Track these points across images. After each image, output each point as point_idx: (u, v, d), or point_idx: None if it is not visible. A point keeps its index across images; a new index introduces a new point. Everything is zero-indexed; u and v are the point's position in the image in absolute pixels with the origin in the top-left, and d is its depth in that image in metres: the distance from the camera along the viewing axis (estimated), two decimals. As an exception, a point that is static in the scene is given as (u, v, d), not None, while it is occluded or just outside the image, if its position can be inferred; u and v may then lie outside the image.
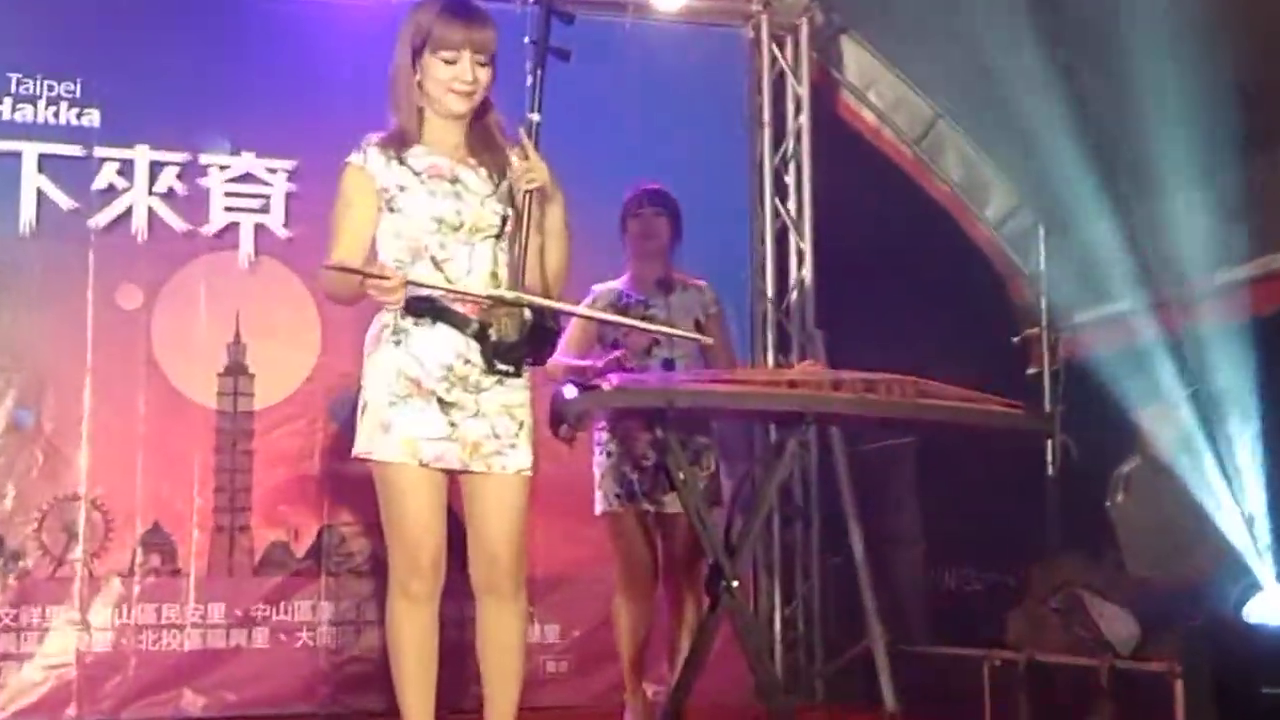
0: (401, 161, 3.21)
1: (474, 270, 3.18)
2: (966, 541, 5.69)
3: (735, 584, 4.06)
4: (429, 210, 3.18)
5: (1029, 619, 4.88)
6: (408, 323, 3.18)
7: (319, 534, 5.33)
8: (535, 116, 3.21)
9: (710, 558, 4.19)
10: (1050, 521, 5.87)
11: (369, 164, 3.22)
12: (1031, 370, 6.30)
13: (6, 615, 4.98)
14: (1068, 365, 6.17)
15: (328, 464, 5.33)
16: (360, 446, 3.21)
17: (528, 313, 3.12)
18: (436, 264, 3.18)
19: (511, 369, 3.17)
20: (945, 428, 4.45)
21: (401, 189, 3.20)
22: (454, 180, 3.21)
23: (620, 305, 4.54)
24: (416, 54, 3.19)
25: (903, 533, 5.84)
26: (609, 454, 4.53)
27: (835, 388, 4.21)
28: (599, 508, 4.54)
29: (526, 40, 3.29)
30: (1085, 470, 5.72)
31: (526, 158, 3.18)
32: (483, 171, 3.22)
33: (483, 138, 3.23)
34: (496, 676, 3.22)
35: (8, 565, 4.99)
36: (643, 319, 4.44)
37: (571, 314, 3.38)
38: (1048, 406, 6.06)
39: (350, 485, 5.29)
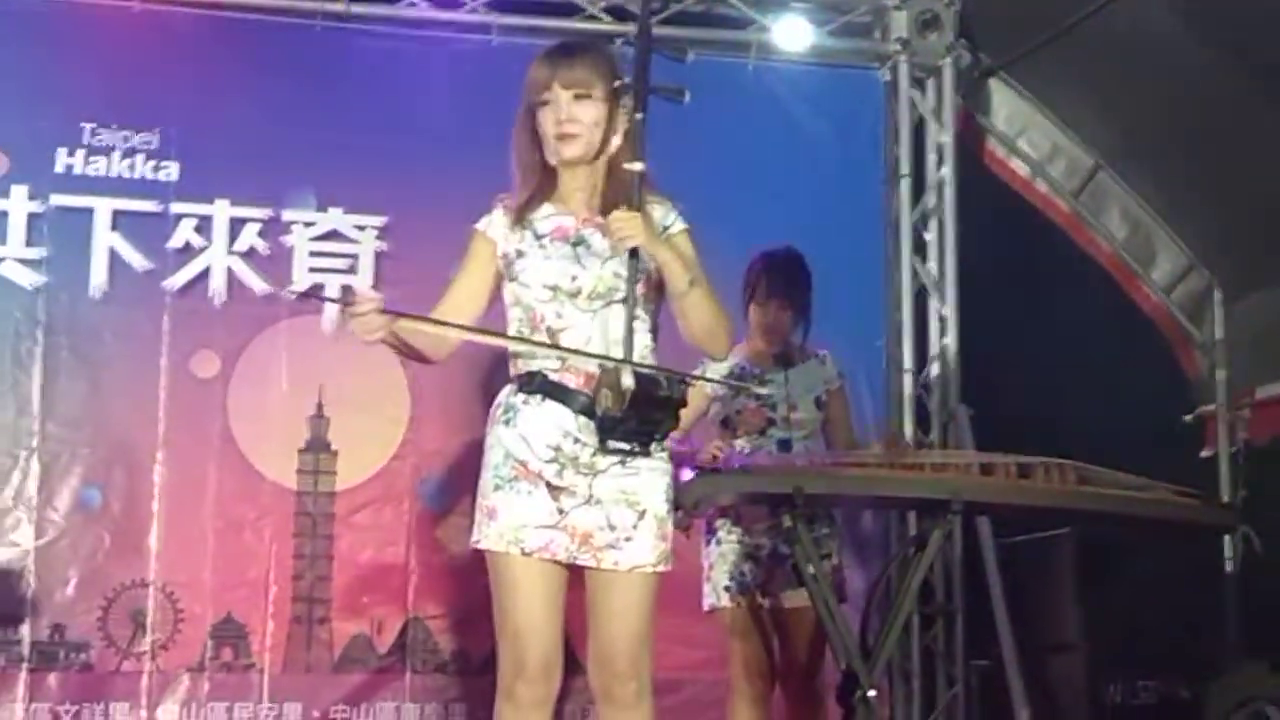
0: (525, 224, 3.25)
1: (595, 340, 3.18)
2: (1134, 647, 5.57)
3: (873, 693, 4.03)
4: (542, 276, 3.20)
5: (1208, 739, 4.78)
6: (518, 399, 3.20)
7: (404, 628, 5.37)
8: (637, 166, 3.17)
9: (842, 663, 4.17)
10: (1230, 625, 5.77)
11: (491, 229, 3.29)
12: (1206, 452, 6.22)
13: (67, 713, 5.07)
14: (1248, 447, 6.07)
15: (415, 550, 5.40)
16: (474, 534, 3.23)
17: (628, 380, 3.07)
18: (552, 334, 3.19)
19: (628, 448, 3.14)
20: (1110, 519, 4.41)
21: (520, 254, 3.23)
22: (577, 242, 3.22)
23: (731, 382, 4.52)
24: (530, 110, 3.23)
25: (1060, 636, 5.72)
26: (719, 542, 4.52)
27: (985, 472, 4.23)
28: (708, 602, 4.53)
29: (616, 84, 3.22)
30: (1270, 566, 5.60)
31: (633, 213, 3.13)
32: None
33: (617, 192, 3.19)
34: (616, 792, 3.20)
35: (69, 657, 5.09)
36: (758, 397, 4.48)
37: (685, 380, 3.35)
38: (1226, 494, 5.97)
39: (439, 574, 5.41)
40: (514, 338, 3.21)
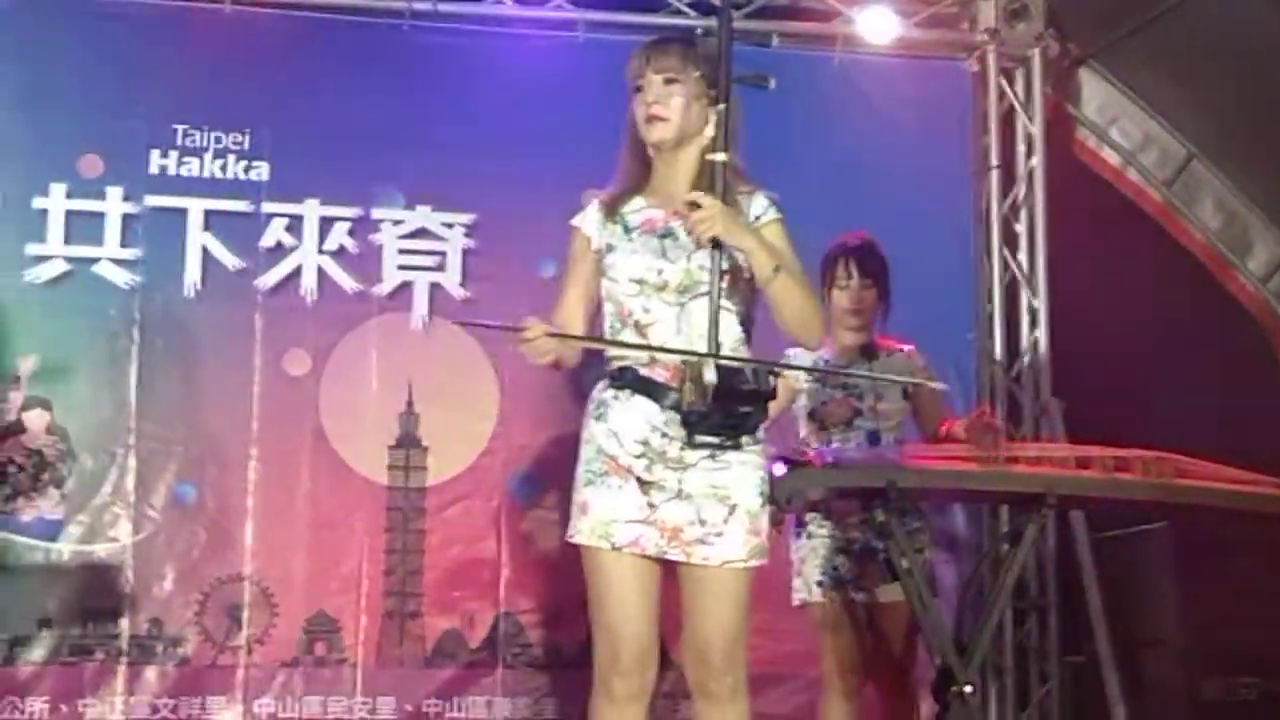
0: (616, 218, 3.29)
1: (684, 333, 3.18)
2: (1233, 643, 5.48)
3: (969, 689, 4.00)
4: (629, 270, 3.23)
5: (1312, 737, 4.70)
6: (609, 395, 3.24)
7: (495, 622, 5.40)
8: (720, 157, 3.18)
9: (937, 659, 4.13)
10: (1330, 622, 5.66)
11: (585, 224, 3.33)
12: (1306, 444, 6.10)
13: (165, 706, 5.13)
14: (1351, 438, 5.97)
15: (506, 544, 5.43)
16: (569, 528, 3.27)
17: (710, 374, 3.07)
18: (640, 329, 3.21)
19: (716, 441, 3.14)
20: (1209, 513, 4.34)
21: (610, 248, 3.28)
22: (664, 235, 3.24)
23: (817, 369, 4.49)
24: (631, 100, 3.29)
25: (1157, 631, 5.69)
26: (810, 536, 4.49)
27: (1081, 465, 4.17)
28: (797, 597, 4.50)
29: (698, 73, 3.26)
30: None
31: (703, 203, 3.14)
32: None
33: (706, 182, 3.20)
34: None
35: (167, 652, 5.15)
36: (843, 389, 4.46)
37: (773, 372, 3.33)
38: (1326, 488, 5.86)
39: (530, 568, 5.44)
40: (656, 348, 3.19)
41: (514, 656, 5.38)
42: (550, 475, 5.33)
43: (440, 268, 5.52)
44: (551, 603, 5.36)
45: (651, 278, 3.21)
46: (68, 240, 5.26)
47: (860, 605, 4.46)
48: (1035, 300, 6.05)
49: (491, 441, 5.46)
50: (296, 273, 5.42)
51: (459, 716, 5.31)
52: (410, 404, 5.41)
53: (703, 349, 3.11)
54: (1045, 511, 4.16)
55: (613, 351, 3.27)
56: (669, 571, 3.22)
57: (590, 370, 5.17)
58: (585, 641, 5.00)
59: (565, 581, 5.14)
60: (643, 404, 3.18)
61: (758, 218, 3.25)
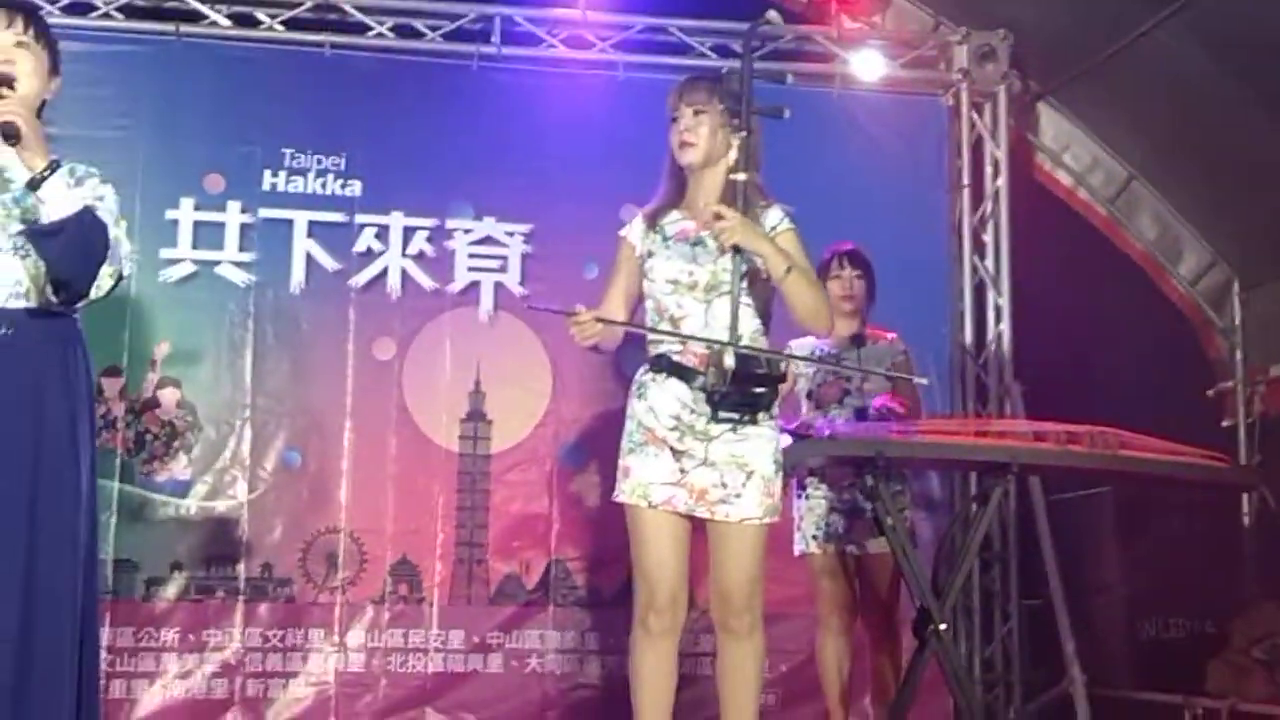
0: (656, 229, 3.36)
1: (710, 326, 3.25)
2: (1166, 589, 5.55)
3: (944, 627, 4.07)
4: (665, 273, 3.31)
5: (1231, 667, 4.74)
6: (648, 377, 3.31)
7: (547, 568, 5.39)
8: (741, 176, 3.25)
9: (917, 601, 4.19)
10: (1248, 571, 5.69)
11: (630, 234, 3.41)
12: (1226, 423, 6.14)
13: (274, 636, 5.17)
14: (1262, 418, 6.00)
15: (556, 503, 5.43)
16: (615, 490, 3.34)
17: (729, 360, 3.15)
18: (674, 323, 3.28)
19: (736, 417, 3.21)
20: (1146, 479, 4.41)
21: (650, 254, 3.34)
22: (695, 243, 3.31)
23: (814, 359, 4.56)
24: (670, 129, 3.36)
25: (1102, 579, 5.72)
26: (808, 497, 4.56)
27: (1039, 439, 4.22)
28: (798, 548, 4.56)
29: (722, 106, 3.32)
30: (1280, 521, 5.54)
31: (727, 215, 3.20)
32: None
33: (730, 197, 3.27)
34: (731, 707, 3.29)
35: (276, 591, 5.18)
36: (835, 373, 4.52)
37: (776, 357, 3.42)
38: (1243, 459, 5.90)
39: (576, 523, 5.45)
40: (685, 335, 3.28)
41: (563, 597, 5.39)
42: (594, 444, 5.39)
43: (503, 269, 5.52)
44: (594, 552, 5.39)
45: (683, 279, 3.28)
46: (195, 246, 5.29)
47: (850, 556, 4.52)
48: (1000, 299, 6.06)
49: (545, 416, 5.46)
50: (384, 273, 5.43)
51: (517, 647, 5.32)
52: (478, 384, 5.43)
53: (725, 340, 3.18)
54: (1009, 478, 4.21)
55: (651, 339, 3.34)
56: (697, 527, 3.30)
57: (627, 357, 5.29)
58: (622, 585, 5.22)
59: (605, 534, 5.27)
60: (675, 385, 3.25)
61: (773, 227, 3.31)
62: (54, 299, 2.76)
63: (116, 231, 2.81)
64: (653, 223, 3.37)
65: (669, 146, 3.38)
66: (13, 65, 2.78)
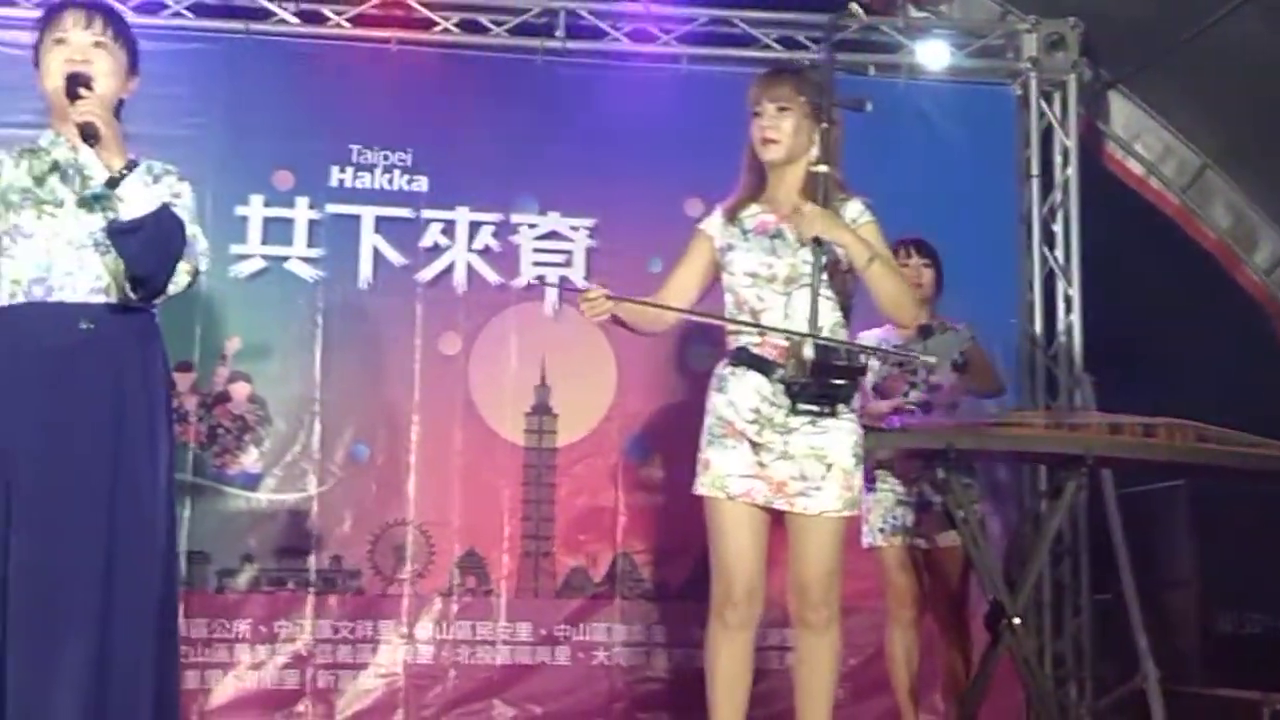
0: (736, 222, 3.35)
1: (790, 318, 3.24)
2: (1242, 583, 5.46)
3: (1017, 621, 4.05)
4: (745, 265, 3.30)
5: (1310, 663, 4.66)
6: (727, 371, 3.30)
7: (614, 561, 5.38)
8: (822, 168, 3.25)
9: (989, 594, 4.17)
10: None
11: (709, 227, 3.40)
12: (1303, 413, 6.05)
13: (344, 628, 5.19)
14: (1339, 409, 5.91)
15: (622, 496, 5.42)
16: (695, 483, 3.32)
17: (809, 352, 3.13)
18: (754, 315, 3.27)
19: (816, 409, 3.20)
20: (1226, 472, 4.34)
21: (729, 247, 3.34)
22: (775, 235, 3.30)
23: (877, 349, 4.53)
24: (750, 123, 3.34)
25: (1176, 574, 5.64)
26: (876, 490, 4.53)
27: (1114, 432, 4.19)
28: (866, 540, 4.54)
29: (803, 99, 3.31)
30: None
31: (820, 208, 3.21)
32: None
33: (811, 191, 3.27)
34: (807, 701, 3.29)
35: (345, 583, 5.20)
36: (900, 365, 4.39)
37: (865, 351, 3.41)
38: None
39: (642, 516, 5.44)
40: (711, 315, 3.33)
41: (629, 590, 5.37)
42: (658, 438, 5.40)
43: (568, 264, 5.51)
44: (660, 545, 5.38)
45: (763, 271, 3.27)
46: (264, 241, 5.31)
47: (918, 549, 4.51)
48: (1070, 289, 6.00)
49: (610, 410, 5.45)
50: (450, 268, 5.44)
51: (584, 639, 5.32)
52: (543, 378, 5.44)
53: (803, 331, 3.16)
54: (1084, 470, 4.18)
55: (730, 333, 3.34)
56: (775, 520, 3.30)
57: (692, 351, 5.30)
58: (689, 578, 5.22)
59: (672, 527, 5.28)
60: (754, 378, 3.24)
61: (854, 220, 3.30)
62: (132, 295, 2.80)
63: (193, 228, 2.85)
64: (732, 216, 3.36)
65: (748, 140, 3.36)
66: (91, 65, 2.82)
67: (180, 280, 2.81)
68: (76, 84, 2.75)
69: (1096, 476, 5.36)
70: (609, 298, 3.23)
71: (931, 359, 3.98)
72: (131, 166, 2.74)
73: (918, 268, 4.59)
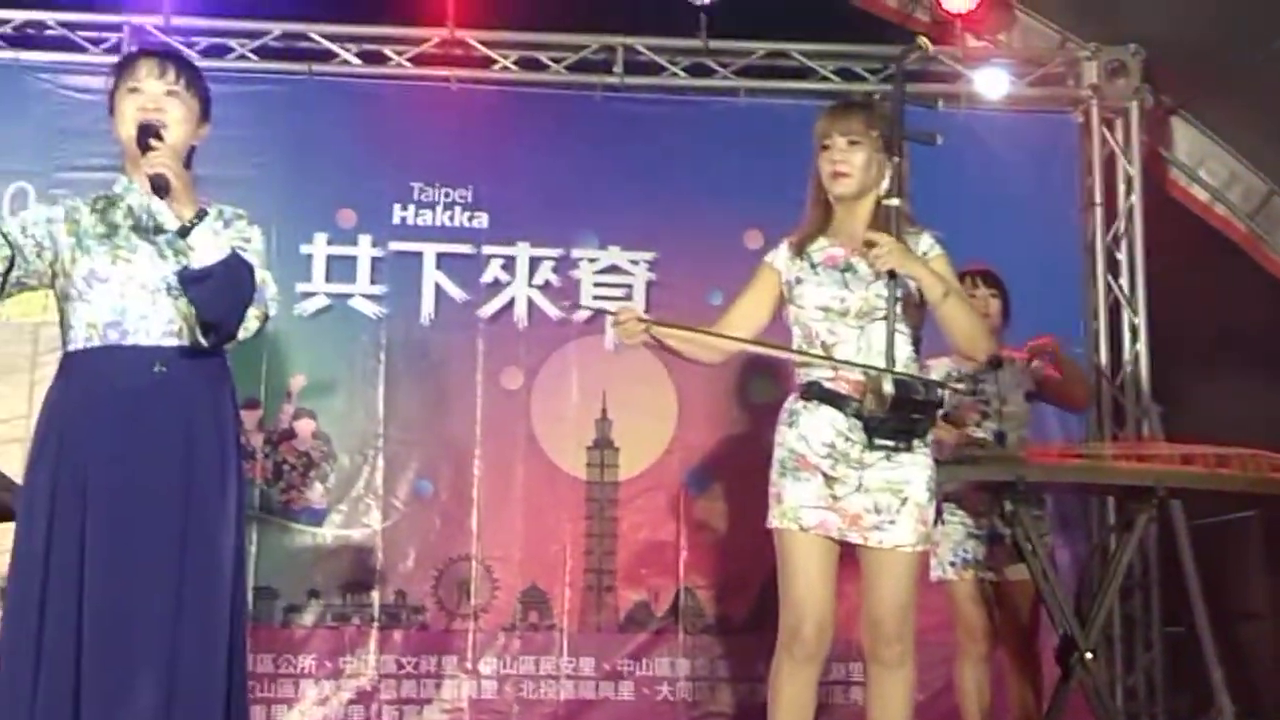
0: (804, 255, 3.32)
1: (864, 352, 3.21)
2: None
3: (1089, 655, 3.98)
4: (816, 299, 3.27)
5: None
6: (799, 405, 3.27)
7: (676, 595, 5.36)
8: (894, 201, 3.22)
9: (1060, 629, 4.11)
10: None
11: (776, 260, 3.37)
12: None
13: (408, 663, 5.21)
14: None
15: (684, 530, 5.41)
16: (768, 516, 3.29)
17: (888, 387, 3.10)
18: (826, 349, 3.24)
19: (892, 444, 3.17)
20: (1301, 503, 4.27)
21: (798, 281, 3.30)
22: (845, 269, 3.27)
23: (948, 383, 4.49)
24: (816, 155, 3.32)
25: (1249, 606, 5.57)
26: (944, 522, 4.45)
27: (1185, 462, 4.12)
28: (935, 574, 4.47)
29: (874, 133, 3.28)
30: None
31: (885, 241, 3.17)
32: None
33: (881, 224, 3.23)
34: (879, 738, 3.24)
35: (409, 618, 5.23)
36: (971, 395, 4.43)
37: (943, 386, 3.37)
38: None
39: (705, 550, 5.42)
40: (775, 345, 3.30)
41: (692, 624, 5.35)
42: (720, 470, 5.38)
43: (628, 297, 5.52)
44: (723, 578, 5.35)
45: (835, 305, 3.24)
46: (328, 279, 5.39)
47: (988, 583, 4.46)
48: (1136, 318, 5.93)
49: (671, 443, 5.45)
50: (511, 304, 5.48)
51: (647, 674, 5.30)
52: (605, 412, 5.45)
53: (880, 366, 3.13)
54: (1155, 502, 4.10)
55: (799, 367, 3.32)
56: (848, 554, 3.25)
57: (753, 385, 5.27)
58: (751, 611, 5.19)
59: (734, 561, 5.27)
60: (828, 413, 3.20)
61: (925, 253, 3.26)
62: (203, 340, 2.83)
63: (263, 274, 2.88)
64: (800, 249, 3.33)
65: (810, 172, 3.33)
66: (163, 114, 2.85)
67: (250, 326, 2.84)
68: (148, 135, 2.78)
69: (1167, 508, 5.32)
70: (640, 319, 3.23)
71: (959, 386, 3.98)
72: (202, 215, 2.76)
73: (985, 299, 4.55)
